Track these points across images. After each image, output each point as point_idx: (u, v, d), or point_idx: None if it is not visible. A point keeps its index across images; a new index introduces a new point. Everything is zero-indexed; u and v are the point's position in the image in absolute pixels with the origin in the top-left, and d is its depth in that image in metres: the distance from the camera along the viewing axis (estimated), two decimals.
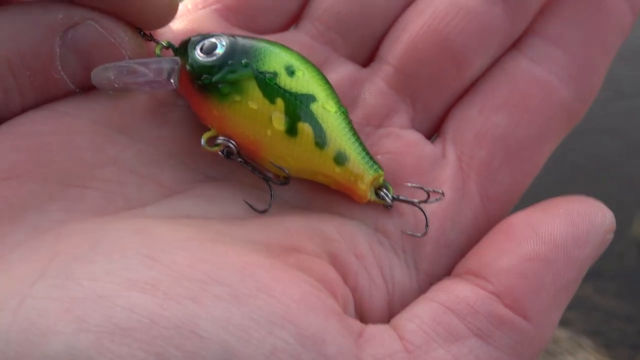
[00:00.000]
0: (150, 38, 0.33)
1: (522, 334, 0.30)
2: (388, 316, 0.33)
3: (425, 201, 0.33)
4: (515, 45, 0.35)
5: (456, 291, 0.31)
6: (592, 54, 0.34)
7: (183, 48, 0.33)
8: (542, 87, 0.34)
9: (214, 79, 0.32)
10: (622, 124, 2.41)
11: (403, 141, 0.34)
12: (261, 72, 0.32)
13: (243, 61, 0.32)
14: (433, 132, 0.37)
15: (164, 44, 0.33)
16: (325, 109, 0.33)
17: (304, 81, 0.33)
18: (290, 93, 0.32)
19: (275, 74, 0.32)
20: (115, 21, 0.31)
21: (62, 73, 0.31)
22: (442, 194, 0.34)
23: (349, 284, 0.32)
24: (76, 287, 0.25)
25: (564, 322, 1.84)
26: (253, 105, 0.32)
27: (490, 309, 0.30)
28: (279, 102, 0.32)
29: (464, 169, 0.35)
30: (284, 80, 0.32)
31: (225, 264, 0.27)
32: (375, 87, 0.35)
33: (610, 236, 0.33)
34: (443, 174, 0.34)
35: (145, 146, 0.33)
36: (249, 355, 0.25)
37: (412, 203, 0.33)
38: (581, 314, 1.86)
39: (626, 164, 2.29)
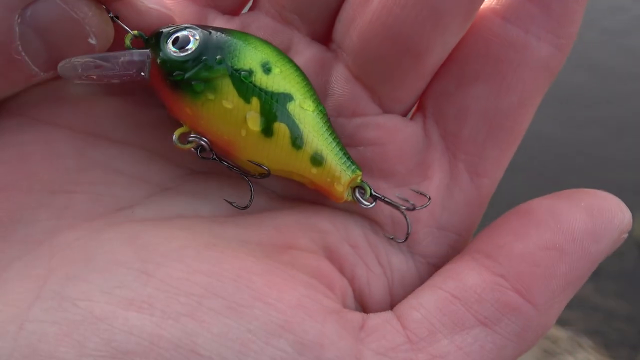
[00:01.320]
0: (116, 20, 0.31)
1: (528, 320, 0.29)
2: (390, 301, 0.32)
3: (412, 209, 0.32)
4: (488, 3, 0.33)
5: (464, 278, 0.30)
6: (569, 4, 0.31)
7: (154, 39, 0.31)
8: (518, 49, 0.32)
9: (187, 75, 0.30)
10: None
11: (382, 129, 0.33)
12: (236, 70, 0.30)
13: (217, 57, 0.30)
14: (410, 108, 0.35)
15: (135, 34, 0.32)
16: (303, 109, 0.31)
17: (281, 79, 0.31)
18: (266, 92, 0.31)
19: (250, 72, 0.31)
20: None
21: (23, 54, 0.28)
22: (429, 199, 0.32)
23: (346, 275, 0.31)
24: (73, 308, 0.25)
25: (564, 322, 1.83)
26: (227, 104, 0.30)
27: (497, 295, 0.29)
28: (255, 101, 0.30)
29: (450, 148, 0.33)
30: (260, 79, 0.31)
31: (221, 274, 0.27)
32: (340, 75, 0.33)
33: (625, 235, 0.32)
34: (429, 157, 0.33)
35: (126, 147, 0.32)
36: None
37: (396, 207, 0.32)
38: (581, 314, 1.86)
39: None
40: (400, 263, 0.33)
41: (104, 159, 0.31)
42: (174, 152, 0.33)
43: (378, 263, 0.33)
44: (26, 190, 0.30)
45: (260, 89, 0.31)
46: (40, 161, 0.30)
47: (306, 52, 0.34)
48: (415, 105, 0.35)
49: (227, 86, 0.30)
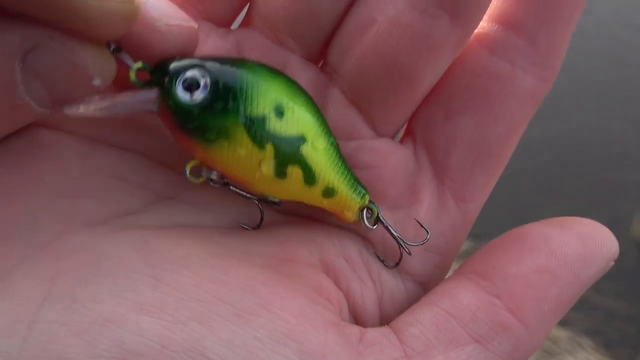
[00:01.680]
0: (119, 52, 0.30)
1: (518, 340, 0.30)
2: (380, 316, 0.34)
3: (409, 253, 0.34)
4: (475, 36, 0.34)
5: (459, 297, 0.31)
6: (554, 37, 0.32)
7: (160, 71, 0.30)
8: (505, 81, 0.33)
9: (199, 124, 0.30)
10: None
11: (376, 153, 0.34)
12: (250, 119, 0.30)
13: (230, 105, 0.30)
14: (399, 129, 0.36)
15: (139, 66, 0.30)
16: (315, 148, 0.31)
17: (293, 121, 0.31)
18: (280, 137, 0.30)
19: (264, 118, 0.30)
20: (76, 40, 0.28)
21: (27, 98, 0.28)
22: (428, 234, 0.34)
23: (341, 288, 0.32)
24: (82, 310, 0.25)
25: (564, 322, 1.84)
26: (241, 151, 0.30)
27: (492, 315, 0.30)
28: (269, 147, 0.30)
29: (438, 175, 0.35)
30: (274, 125, 0.30)
31: (227, 281, 0.27)
32: (336, 99, 0.34)
33: (612, 263, 0.34)
34: (419, 181, 0.34)
35: (128, 153, 0.33)
36: None
37: (396, 239, 0.33)
38: (581, 314, 1.86)
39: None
40: (389, 279, 0.34)
41: (106, 165, 0.32)
42: (175, 160, 0.33)
43: (370, 277, 0.34)
44: (31, 194, 0.30)
45: (274, 135, 0.31)
46: (44, 165, 0.30)
47: (302, 76, 0.34)
48: (405, 129, 0.36)
49: (240, 134, 0.30)
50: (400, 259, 0.34)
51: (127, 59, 0.30)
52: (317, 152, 0.32)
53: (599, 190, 2.12)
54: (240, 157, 0.30)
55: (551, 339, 1.68)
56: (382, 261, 0.34)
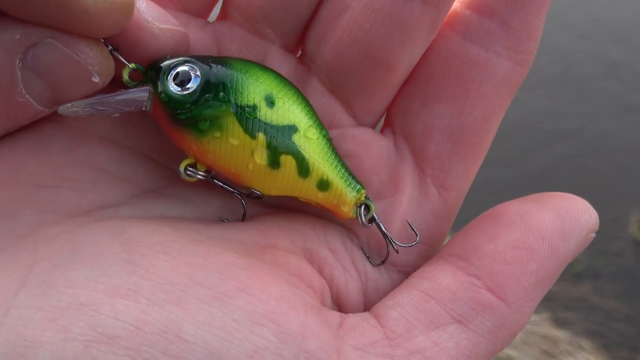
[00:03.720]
0: (116, 52, 0.31)
1: (501, 318, 0.30)
2: (364, 304, 0.33)
3: (399, 245, 0.33)
4: (448, 22, 0.33)
5: (438, 278, 0.31)
6: (527, 20, 0.32)
7: (152, 70, 0.31)
8: (480, 67, 0.33)
9: (191, 115, 0.30)
10: None
11: (358, 142, 0.34)
12: (241, 107, 0.30)
13: (221, 95, 0.30)
14: (380, 118, 0.36)
15: (132, 67, 0.31)
16: (307, 138, 0.32)
17: (285, 111, 0.31)
18: (272, 126, 0.31)
19: (254, 107, 0.31)
20: (76, 37, 0.28)
21: (27, 96, 0.28)
22: (417, 237, 0.34)
23: (325, 276, 0.32)
24: (58, 295, 0.25)
25: (564, 323, 1.83)
26: (234, 141, 0.30)
27: (471, 294, 0.30)
28: (261, 136, 0.31)
29: (418, 163, 0.35)
30: (265, 113, 0.31)
31: (205, 266, 0.27)
32: (315, 89, 0.34)
33: (592, 235, 0.33)
34: (400, 171, 0.34)
35: (114, 145, 0.33)
36: (233, 355, 0.25)
37: (385, 237, 0.33)
38: (581, 315, 1.86)
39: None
40: (374, 270, 0.34)
41: (91, 157, 0.32)
42: (159, 154, 0.33)
43: (354, 268, 0.34)
44: (12, 183, 0.30)
45: (266, 124, 0.31)
46: (28, 155, 0.30)
47: (281, 68, 0.34)
48: (384, 120, 0.36)
49: (232, 124, 0.31)
50: (386, 257, 0.34)
51: (122, 59, 0.31)
52: (310, 142, 0.32)
53: (598, 189, 2.12)
54: (233, 147, 0.31)
55: (551, 340, 1.68)
56: (368, 258, 0.34)
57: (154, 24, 0.31)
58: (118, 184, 0.32)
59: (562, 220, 0.32)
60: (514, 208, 0.32)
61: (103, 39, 0.30)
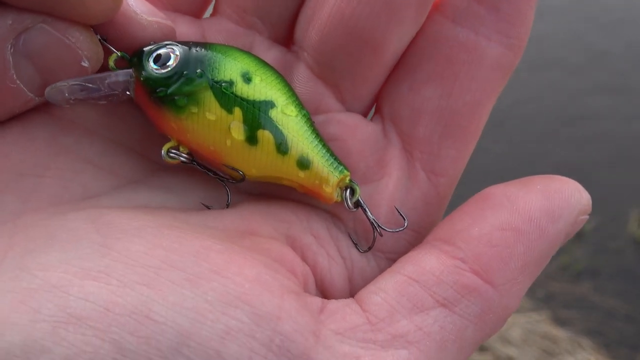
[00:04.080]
0: (104, 41, 0.32)
1: (488, 301, 0.29)
2: (350, 292, 0.33)
3: (384, 229, 0.33)
4: (437, 7, 0.33)
5: (423, 262, 0.30)
6: (517, 4, 0.32)
7: (137, 58, 0.32)
8: (469, 50, 0.32)
9: (169, 91, 0.31)
10: None
11: (343, 126, 0.34)
12: (217, 82, 0.31)
13: (198, 71, 0.31)
14: (370, 107, 0.36)
15: (119, 54, 0.32)
16: (285, 114, 0.32)
17: (262, 87, 0.32)
18: (248, 101, 0.31)
19: (231, 83, 0.31)
20: (67, 22, 0.29)
21: (18, 82, 0.29)
22: (406, 222, 0.33)
23: (308, 263, 0.32)
24: (30, 278, 0.25)
25: (564, 322, 1.83)
26: (210, 116, 0.31)
27: (456, 277, 0.29)
28: (237, 111, 0.31)
29: (407, 148, 0.34)
30: (241, 88, 0.31)
31: (180, 249, 0.27)
32: (302, 74, 0.34)
33: (585, 217, 0.32)
34: (387, 155, 0.34)
35: (99, 136, 0.33)
36: (204, 336, 0.25)
37: (371, 221, 0.33)
38: (581, 314, 1.86)
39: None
40: (360, 257, 0.33)
41: (75, 147, 0.32)
42: (144, 146, 0.34)
43: (339, 254, 0.33)
44: None
45: (242, 99, 0.31)
46: (13, 143, 0.30)
47: (267, 55, 0.34)
48: (374, 108, 0.36)
49: (209, 98, 0.31)
50: (373, 243, 0.33)
51: (110, 47, 0.32)
52: (288, 118, 0.32)
53: (597, 188, 2.12)
54: (210, 122, 0.31)
55: (551, 339, 1.68)
56: (355, 245, 0.33)
57: (142, 16, 0.32)
58: (101, 175, 0.32)
59: (550, 201, 0.31)
60: (500, 190, 0.32)
61: (93, 28, 0.31)
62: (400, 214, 0.34)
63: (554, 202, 0.31)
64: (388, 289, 0.30)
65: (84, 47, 0.30)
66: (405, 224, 0.33)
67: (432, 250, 0.31)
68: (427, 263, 0.30)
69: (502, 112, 2.45)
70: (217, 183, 0.34)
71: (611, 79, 2.74)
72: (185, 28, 0.34)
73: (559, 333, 1.71)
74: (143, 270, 0.26)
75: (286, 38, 0.35)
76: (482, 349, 1.64)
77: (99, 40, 0.31)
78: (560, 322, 1.77)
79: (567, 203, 0.31)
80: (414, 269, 0.30)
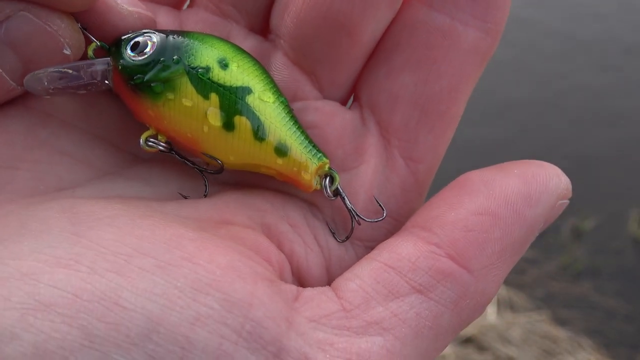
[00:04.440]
0: (84, 30, 0.32)
1: (464, 287, 0.29)
2: (328, 280, 0.33)
3: (363, 219, 0.33)
4: None
5: (399, 249, 0.30)
6: None
7: (115, 47, 0.32)
8: (445, 35, 0.32)
9: (146, 78, 0.31)
10: None
11: (321, 113, 0.34)
12: (193, 68, 0.31)
13: (174, 58, 0.31)
14: (349, 96, 0.36)
15: (98, 44, 0.32)
16: (263, 100, 0.32)
17: (238, 73, 0.32)
18: (225, 87, 0.31)
19: (207, 69, 0.31)
20: (49, 10, 0.29)
21: (0, 70, 0.29)
22: (384, 212, 0.33)
23: (284, 251, 0.32)
24: (1, 267, 0.26)
25: (564, 321, 1.83)
26: (187, 102, 0.31)
27: (431, 263, 0.29)
28: (213, 97, 0.31)
29: (384, 135, 0.34)
30: (217, 74, 0.31)
31: (152, 237, 0.27)
32: (279, 62, 0.34)
33: (564, 202, 0.32)
34: (365, 142, 0.34)
35: (75, 128, 0.33)
36: (173, 322, 0.25)
37: (349, 209, 0.33)
38: (581, 313, 1.86)
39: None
40: (338, 245, 0.33)
41: (51, 139, 0.32)
42: (119, 138, 0.34)
43: (317, 243, 0.33)
44: None
45: (218, 85, 0.32)
46: None
47: (245, 44, 0.34)
48: (353, 97, 0.36)
49: (185, 84, 0.31)
50: (351, 232, 0.33)
51: (90, 37, 0.32)
52: (266, 105, 0.32)
53: (596, 188, 2.11)
54: (187, 108, 0.31)
55: (551, 339, 1.68)
56: (333, 234, 0.33)
57: (122, 6, 0.32)
58: (77, 167, 0.32)
59: (528, 185, 0.31)
60: (477, 176, 0.32)
61: (73, 16, 0.31)
62: (379, 204, 0.33)
63: (532, 186, 0.31)
64: (364, 275, 0.30)
65: (65, 34, 0.30)
66: (384, 214, 0.33)
67: (409, 237, 0.31)
68: (403, 249, 0.30)
69: (506, 103, 2.46)
70: (195, 174, 0.34)
71: (615, 80, 2.74)
72: (164, 19, 0.34)
73: (559, 333, 1.71)
74: (113, 258, 0.26)
75: (263, 27, 0.35)
76: (482, 348, 1.64)
77: (80, 28, 0.31)
78: (560, 322, 1.77)
79: (545, 187, 0.31)
80: (390, 256, 0.30)
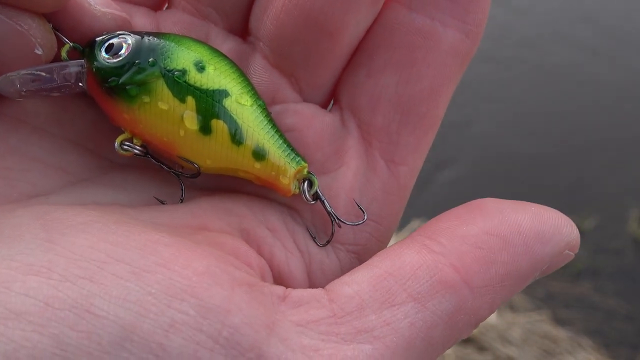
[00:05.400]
0: (57, 32, 0.31)
1: (461, 301, 0.29)
2: (309, 285, 0.32)
3: (344, 222, 0.33)
4: None
5: (402, 256, 0.30)
6: None
7: (89, 49, 0.32)
8: (425, 37, 0.32)
9: (121, 80, 0.31)
10: None
11: (300, 116, 0.33)
12: (169, 70, 0.31)
13: (150, 60, 0.31)
14: (329, 99, 0.35)
15: (71, 45, 0.32)
16: (240, 104, 0.32)
17: (215, 76, 0.31)
18: (201, 90, 0.31)
19: (184, 72, 0.31)
20: (19, 9, 0.29)
21: None
22: (365, 217, 0.33)
23: (264, 256, 0.32)
24: None
25: (564, 322, 1.83)
26: (163, 105, 0.31)
27: (433, 272, 0.29)
28: (190, 100, 0.31)
29: (365, 137, 0.34)
30: (194, 77, 0.31)
31: (126, 243, 0.27)
32: (258, 64, 0.34)
33: (571, 255, 0.32)
34: (345, 145, 0.34)
35: (48, 134, 0.33)
36: (147, 330, 0.25)
37: (329, 213, 0.33)
38: (581, 313, 1.86)
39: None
40: (319, 250, 0.33)
41: (24, 146, 0.32)
42: (94, 144, 0.33)
43: (297, 248, 0.33)
44: None
45: (195, 88, 0.31)
46: None
47: (223, 46, 0.34)
48: (333, 99, 0.36)
49: (161, 87, 0.31)
50: (331, 237, 0.33)
51: (63, 38, 0.32)
52: (243, 108, 0.32)
53: (595, 187, 2.11)
54: (163, 112, 0.31)
55: (551, 339, 1.68)
56: (314, 238, 0.33)
57: (96, 7, 0.31)
58: (50, 173, 0.32)
59: (542, 224, 0.31)
60: (493, 202, 0.32)
61: (46, 17, 0.30)
62: (360, 207, 0.33)
63: (546, 226, 0.31)
64: (362, 281, 0.29)
65: (37, 34, 0.29)
66: (365, 217, 0.33)
67: (413, 245, 0.30)
68: (406, 257, 0.30)
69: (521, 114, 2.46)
70: (171, 179, 0.33)
71: (616, 79, 2.74)
72: (141, 20, 0.34)
73: (559, 333, 1.71)
74: (86, 264, 0.26)
75: (242, 29, 0.35)
76: (482, 348, 1.63)
77: (52, 29, 0.31)
78: (560, 322, 1.77)
79: (558, 231, 0.31)
80: (391, 263, 0.30)
